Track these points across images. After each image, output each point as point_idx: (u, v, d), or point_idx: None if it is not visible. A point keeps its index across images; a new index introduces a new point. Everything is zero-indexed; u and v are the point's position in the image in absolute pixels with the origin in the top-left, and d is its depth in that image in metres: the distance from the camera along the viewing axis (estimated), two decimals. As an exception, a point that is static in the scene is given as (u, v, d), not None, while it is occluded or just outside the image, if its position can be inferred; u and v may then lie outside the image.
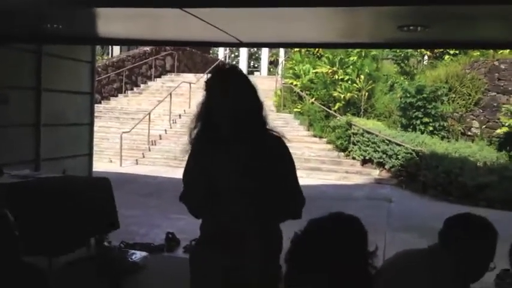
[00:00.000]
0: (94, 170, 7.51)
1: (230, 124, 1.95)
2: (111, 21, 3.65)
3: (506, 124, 11.72)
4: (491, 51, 12.65)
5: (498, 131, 12.20)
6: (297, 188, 2.07)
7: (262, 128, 2.02)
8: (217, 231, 2.01)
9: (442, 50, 14.58)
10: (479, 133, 12.70)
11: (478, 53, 13.45)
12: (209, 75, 2.13)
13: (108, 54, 19.00)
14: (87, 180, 5.70)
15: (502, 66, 12.89)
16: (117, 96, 16.51)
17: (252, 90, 2.01)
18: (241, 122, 1.94)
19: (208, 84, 2.01)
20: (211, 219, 2.06)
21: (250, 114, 1.97)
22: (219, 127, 1.97)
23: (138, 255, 4.53)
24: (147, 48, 17.69)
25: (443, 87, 12.88)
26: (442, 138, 12.25)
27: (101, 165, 10.37)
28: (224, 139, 1.97)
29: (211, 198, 1.99)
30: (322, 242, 1.34)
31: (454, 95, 13.02)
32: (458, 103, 12.97)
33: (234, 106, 1.93)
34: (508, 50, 12.48)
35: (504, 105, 12.29)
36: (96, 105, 10.32)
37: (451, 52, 14.54)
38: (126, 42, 9.98)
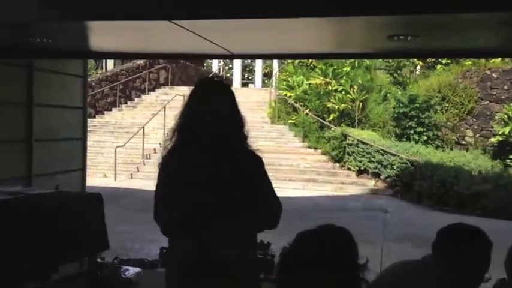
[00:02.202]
0: (88, 185, 7.42)
1: (215, 136, 1.93)
2: (101, 35, 3.63)
3: (500, 132, 11.77)
4: (483, 60, 12.75)
5: (492, 139, 12.24)
6: (273, 199, 2.05)
7: (243, 142, 2.02)
8: (200, 252, 1.93)
9: (434, 59, 14.68)
10: (473, 142, 12.73)
11: (470, 62, 13.55)
12: (196, 86, 2.10)
13: (102, 68, 19.00)
14: (79, 196, 5.62)
15: (494, 75, 12.98)
16: (111, 110, 16.48)
17: (236, 104, 2.03)
18: (226, 135, 1.93)
19: (195, 96, 1.99)
20: (190, 239, 1.95)
21: (235, 128, 1.99)
22: (202, 138, 1.94)
23: (132, 271, 4.47)
24: (141, 62, 17.71)
25: (436, 96, 12.95)
26: (437, 147, 12.28)
27: (95, 180, 10.29)
28: (206, 151, 1.93)
29: (192, 213, 1.92)
30: (310, 255, 1.31)
31: (447, 104, 13.08)
32: (451, 112, 13.03)
33: (221, 119, 1.93)
34: (499, 59, 12.59)
35: (497, 114, 12.34)
36: (90, 119, 10.32)
37: (443, 62, 14.65)
38: (118, 56, 10.00)
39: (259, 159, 2.06)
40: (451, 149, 12.40)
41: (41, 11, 2.81)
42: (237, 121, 2.00)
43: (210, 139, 1.93)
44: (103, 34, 3.52)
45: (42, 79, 5.97)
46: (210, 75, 17.86)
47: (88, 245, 4.07)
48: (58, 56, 4.71)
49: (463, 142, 12.91)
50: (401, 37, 2.94)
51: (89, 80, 10.15)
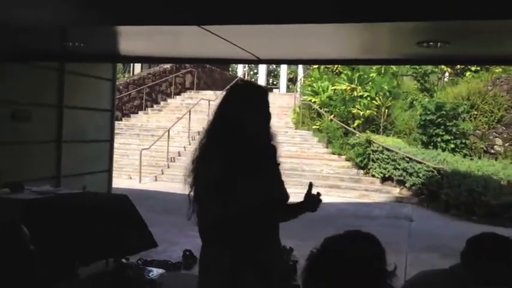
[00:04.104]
0: (114, 186, 7.55)
1: (266, 136, 2.03)
2: (131, 39, 3.71)
3: (531, 142, 11.46)
4: (514, 67, 12.45)
5: (522, 148, 11.92)
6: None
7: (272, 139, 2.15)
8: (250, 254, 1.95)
9: (463, 66, 14.42)
10: (502, 151, 12.43)
11: (500, 70, 13.26)
12: (234, 87, 2.14)
13: (129, 72, 19.33)
14: (107, 197, 5.73)
15: (525, 83, 12.67)
16: (137, 113, 16.72)
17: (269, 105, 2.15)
18: (262, 133, 2.05)
19: (233, 97, 2.03)
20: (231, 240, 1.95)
21: (268, 127, 2.11)
22: (240, 137, 1.98)
23: (155, 272, 4.52)
24: (167, 66, 17.94)
25: (465, 104, 12.71)
26: (464, 156, 12.03)
27: (120, 181, 10.44)
28: (246, 148, 1.97)
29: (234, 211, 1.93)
30: (338, 260, 1.30)
31: (476, 112, 12.82)
32: (480, 120, 12.76)
33: (269, 119, 2.06)
34: (531, 66, 12.27)
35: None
36: (116, 122, 10.49)
37: (473, 69, 14.37)
38: (146, 60, 10.17)
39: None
40: (480, 157, 12.13)
41: (74, 16, 2.89)
42: (269, 120, 2.10)
43: (248, 137, 1.99)
44: (133, 39, 3.60)
45: (73, 82, 6.12)
46: (235, 79, 17.95)
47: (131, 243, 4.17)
48: (89, 59, 4.83)
49: (492, 151, 12.62)
50: (431, 43, 2.91)
51: (116, 83, 10.34)
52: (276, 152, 2.08)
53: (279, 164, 2.09)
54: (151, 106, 17.31)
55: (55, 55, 4.52)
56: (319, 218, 8.02)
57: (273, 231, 1.98)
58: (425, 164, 11.08)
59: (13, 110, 5.29)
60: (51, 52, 4.37)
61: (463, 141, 12.26)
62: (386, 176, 11.88)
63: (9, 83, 5.15)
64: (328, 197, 10.65)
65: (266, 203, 1.93)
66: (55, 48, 4.06)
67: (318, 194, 2.08)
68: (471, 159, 11.82)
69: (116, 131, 8.02)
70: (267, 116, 2.06)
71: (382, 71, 14.58)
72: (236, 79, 19.06)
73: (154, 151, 13.24)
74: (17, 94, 5.31)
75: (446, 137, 12.05)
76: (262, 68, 22.41)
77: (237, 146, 1.94)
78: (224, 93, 2.14)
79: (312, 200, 2.06)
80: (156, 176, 12.54)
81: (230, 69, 25.19)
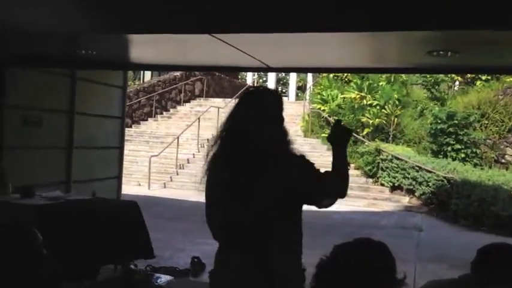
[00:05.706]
0: (123, 192, 7.60)
1: (264, 143, 1.97)
2: (142, 47, 3.75)
3: (542, 152, 11.33)
4: (525, 77, 12.37)
5: (534, 158, 11.79)
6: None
7: (289, 149, 2.10)
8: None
9: (473, 75, 14.35)
10: (513, 161, 12.31)
11: (511, 79, 13.17)
12: (248, 94, 2.13)
13: (139, 79, 19.46)
14: (116, 203, 5.76)
15: (537, 93, 12.56)
16: (147, 120, 16.81)
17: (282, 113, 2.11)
18: (274, 142, 2.00)
19: (247, 104, 2.02)
20: (237, 251, 1.96)
21: (282, 136, 2.06)
22: (251, 145, 1.95)
23: (163, 279, 4.53)
24: (177, 74, 18.04)
25: (475, 113, 12.62)
26: (475, 165, 11.92)
27: (129, 188, 10.48)
28: (254, 157, 1.95)
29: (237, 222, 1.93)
30: (348, 268, 1.30)
31: (486, 122, 12.73)
32: (491, 130, 12.66)
33: (282, 123, 2.02)
34: (542, 76, 12.18)
35: (540, 132, 11.91)
36: (126, 129, 10.56)
37: (483, 78, 14.28)
38: (158, 68, 10.25)
39: (303, 162, 2.08)
40: (490, 167, 12.02)
41: (86, 25, 2.93)
42: (283, 129, 2.05)
43: (258, 146, 1.96)
44: (145, 47, 3.63)
45: (84, 89, 6.19)
46: (245, 87, 18.00)
47: (126, 250, 4.16)
48: (101, 66, 4.88)
49: (503, 160, 12.50)
50: (441, 52, 2.91)
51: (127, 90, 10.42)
52: (290, 157, 2.03)
53: (298, 166, 2.02)
54: (161, 113, 17.39)
55: (67, 62, 4.58)
56: (326, 227, 8.00)
57: (278, 232, 1.96)
58: (435, 173, 11.00)
59: (24, 115, 5.36)
60: (63, 59, 4.42)
61: (474, 150, 12.16)
62: (396, 185, 11.82)
63: (21, 88, 5.22)
64: (336, 206, 10.66)
65: (269, 206, 1.93)
66: (67, 55, 4.11)
67: (338, 121, 2.06)
68: (482, 168, 11.71)
69: (125, 138, 8.08)
70: (281, 122, 2.03)
71: (392, 80, 14.55)
72: (246, 86, 19.11)
73: (163, 158, 13.29)
74: (28, 100, 5.38)
75: (457, 146, 11.96)
76: (272, 76, 22.46)
77: (247, 152, 1.95)
78: (237, 99, 2.12)
79: (338, 133, 2.05)
80: (165, 183, 12.58)
81: (240, 77, 25.28)
